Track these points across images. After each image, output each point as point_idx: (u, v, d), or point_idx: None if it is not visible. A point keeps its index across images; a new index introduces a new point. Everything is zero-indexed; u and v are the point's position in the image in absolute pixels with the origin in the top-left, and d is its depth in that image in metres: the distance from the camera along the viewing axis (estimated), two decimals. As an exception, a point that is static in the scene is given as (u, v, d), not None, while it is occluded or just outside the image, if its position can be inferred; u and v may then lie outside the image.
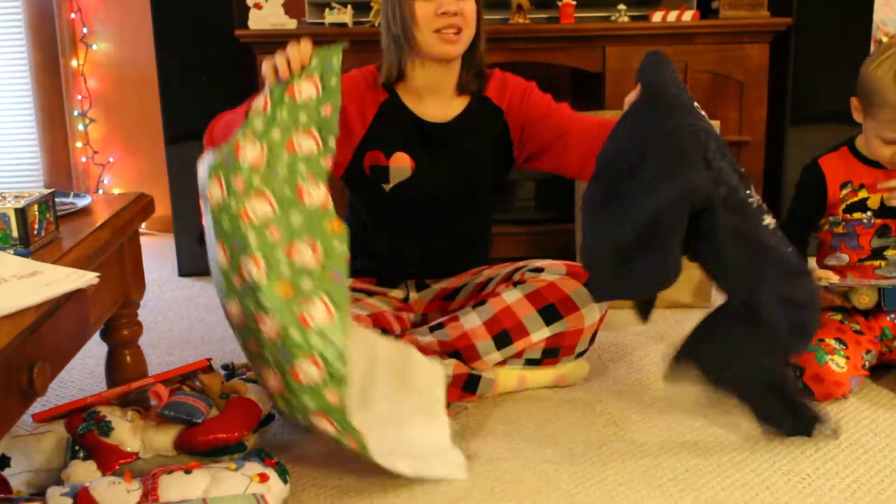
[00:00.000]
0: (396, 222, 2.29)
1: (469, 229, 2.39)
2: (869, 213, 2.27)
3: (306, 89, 1.86)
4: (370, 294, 2.30)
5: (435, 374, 2.03)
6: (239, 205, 1.73)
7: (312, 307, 1.71)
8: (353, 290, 2.27)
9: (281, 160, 1.80)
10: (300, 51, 1.87)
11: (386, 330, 2.23)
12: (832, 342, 2.19)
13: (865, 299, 2.22)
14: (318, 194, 1.82)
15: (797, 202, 2.43)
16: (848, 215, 2.30)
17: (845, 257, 2.32)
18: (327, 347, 1.69)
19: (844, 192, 2.30)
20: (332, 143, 1.87)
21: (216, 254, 1.78)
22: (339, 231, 1.83)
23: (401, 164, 2.22)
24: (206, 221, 1.80)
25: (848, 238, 2.31)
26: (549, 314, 2.17)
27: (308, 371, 1.69)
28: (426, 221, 2.28)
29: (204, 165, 1.77)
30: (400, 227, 2.30)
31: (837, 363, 2.16)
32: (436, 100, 2.25)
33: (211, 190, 1.75)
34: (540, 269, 2.23)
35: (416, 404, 1.96)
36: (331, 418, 1.73)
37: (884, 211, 2.26)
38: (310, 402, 1.71)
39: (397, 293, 2.35)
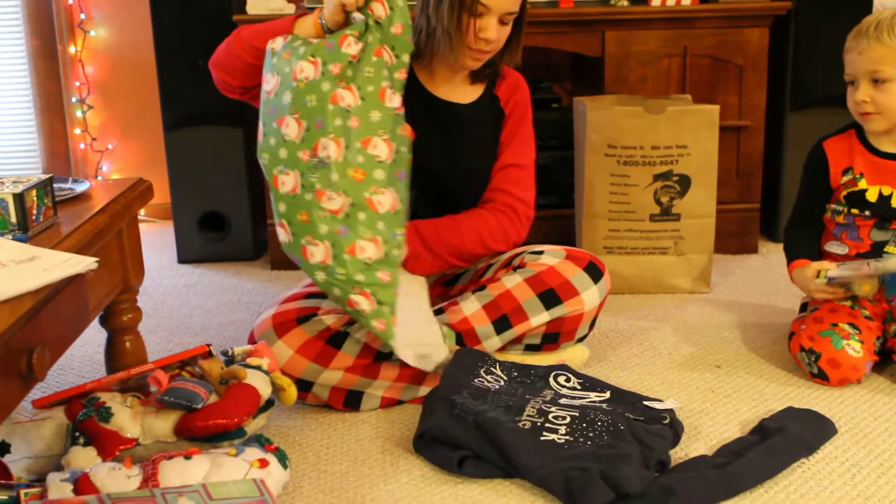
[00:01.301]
0: None
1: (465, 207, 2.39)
2: (867, 213, 2.26)
3: (377, 9, 1.95)
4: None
5: (418, 281, 2.15)
6: (333, 88, 1.89)
7: (382, 196, 1.90)
8: None
9: (370, 61, 1.93)
10: None
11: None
12: (846, 327, 2.20)
13: (867, 287, 2.21)
14: (396, 100, 1.95)
15: (804, 186, 2.43)
16: (845, 209, 2.29)
17: (846, 248, 2.32)
18: (389, 233, 1.90)
19: (846, 178, 2.30)
20: (405, 58, 1.98)
21: (283, 126, 1.92)
22: (408, 136, 1.98)
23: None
24: (275, 94, 1.94)
25: (849, 229, 2.30)
26: (549, 298, 2.17)
27: (367, 250, 1.89)
28: (420, 197, 2.26)
29: (295, 47, 1.93)
30: None
31: (854, 348, 2.16)
32: (447, 82, 2.28)
33: (302, 67, 1.90)
34: (539, 252, 2.23)
35: (406, 305, 2.03)
36: (373, 297, 1.90)
37: (882, 208, 2.25)
38: (361, 277, 1.89)
39: None
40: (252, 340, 2.11)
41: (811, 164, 2.38)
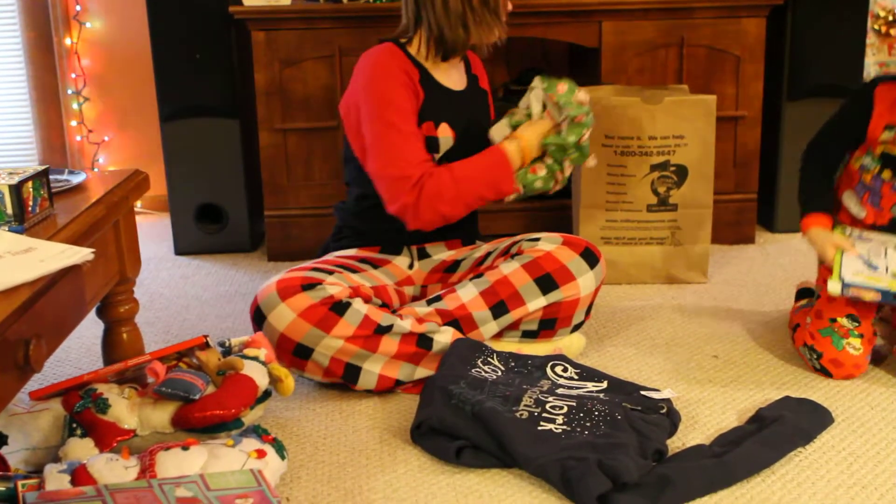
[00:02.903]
0: None
1: None
2: None
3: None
4: (375, 266, 2.30)
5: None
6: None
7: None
8: (359, 260, 2.29)
9: None
10: None
11: (386, 304, 2.23)
12: (845, 322, 2.18)
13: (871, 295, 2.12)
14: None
15: (836, 124, 2.30)
16: (877, 166, 2.19)
17: (864, 212, 2.26)
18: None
19: (886, 135, 2.17)
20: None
21: None
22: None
23: (446, 135, 2.28)
24: None
25: (873, 192, 2.22)
26: (546, 283, 2.19)
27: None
28: None
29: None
30: None
31: (854, 346, 2.16)
32: (456, 70, 2.37)
33: None
34: (536, 239, 2.26)
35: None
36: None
37: None
38: None
39: (402, 261, 2.35)
40: (255, 306, 2.11)
41: (854, 106, 2.24)
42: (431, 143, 2.26)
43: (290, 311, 2.06)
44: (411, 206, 2.17)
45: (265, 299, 2.09)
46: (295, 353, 2.08)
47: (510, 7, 2.30)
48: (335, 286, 2.09)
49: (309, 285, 2.08)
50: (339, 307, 2.08)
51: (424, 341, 2.13)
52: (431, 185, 2.16)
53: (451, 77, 2.34)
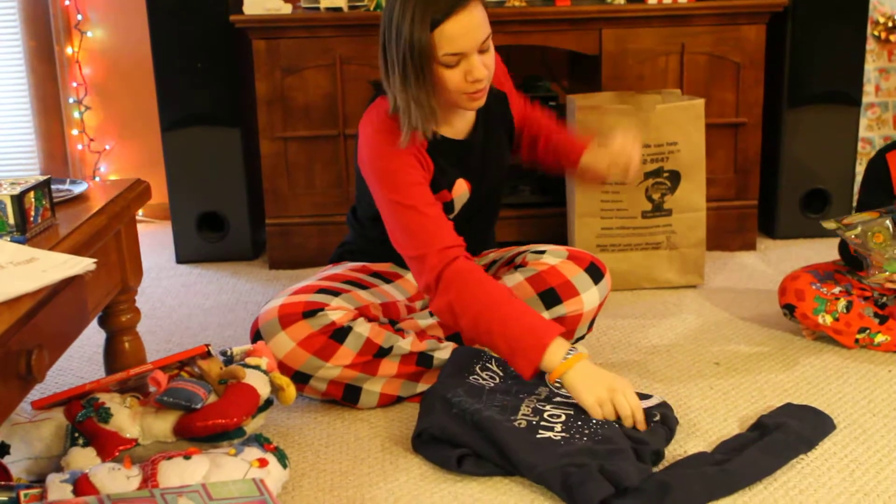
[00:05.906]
0: None
1: (495, 213, 2.40)
2: None
3: None
4: (387, 280, 2.28)
5: None
6: None
7: None
8: (370, 274, 2.27)
9: None
10: None
11: (395, 321, 2.21)
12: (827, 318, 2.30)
13: (880, 238, 2.19)
14: None
15: (865, 197, 2.42)
16: None
17: None
18: None
19: None
20: None
21: None
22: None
23: (461, 192, 2.17)
24: None
25: None
26: (549, 298, 2.18)
27: None
28: (470, 222, 2.24)
29: None
30: None
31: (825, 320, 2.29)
32: (461, 117, 2.15)
33: None
34: (541, 252, 2.24)
35: None
36: None
37: None
38: None
39: (412, 276, 2.34)
40: (255, 329, 2.11)
41: (873, 175, 2.38)
42: (448, 207, 2.16)
43: (289, 339, 2.05)
44: (432, 288, 2.02)
45: (266, 324, 2.07)
46: (293, 378, 2.03)
47: (477, 74, 1.97)
48: (338, 311, 2.06)
49: (311, 312, 2.06)
50: (339, 334, 2.05)
51: (424, 359, 2.13)
52: (456, 283, 1.98)
53: (456, 125, 2.16)
